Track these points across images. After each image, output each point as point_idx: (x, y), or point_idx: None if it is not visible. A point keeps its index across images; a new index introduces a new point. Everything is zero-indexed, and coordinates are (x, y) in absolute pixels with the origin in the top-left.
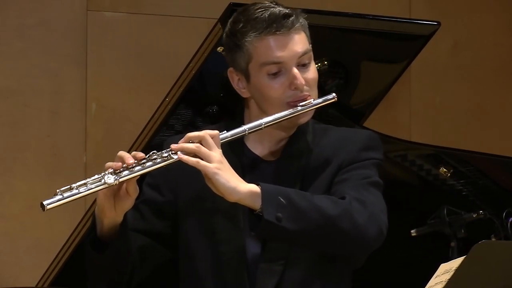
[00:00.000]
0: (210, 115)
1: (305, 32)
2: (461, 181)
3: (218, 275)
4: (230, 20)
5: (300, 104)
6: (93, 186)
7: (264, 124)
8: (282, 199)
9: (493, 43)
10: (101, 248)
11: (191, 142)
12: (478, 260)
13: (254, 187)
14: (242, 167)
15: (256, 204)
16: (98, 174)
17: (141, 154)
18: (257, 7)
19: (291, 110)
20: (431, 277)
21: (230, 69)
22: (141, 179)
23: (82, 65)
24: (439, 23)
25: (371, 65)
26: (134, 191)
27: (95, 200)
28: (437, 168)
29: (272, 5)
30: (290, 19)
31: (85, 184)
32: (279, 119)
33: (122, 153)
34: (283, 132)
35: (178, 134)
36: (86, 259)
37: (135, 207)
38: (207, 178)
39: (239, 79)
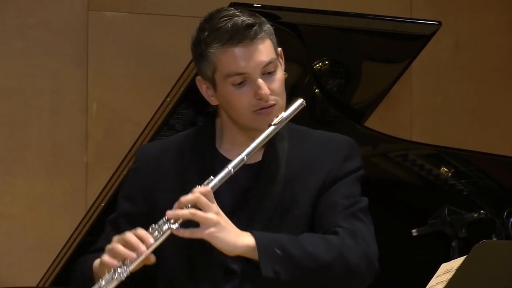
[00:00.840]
0: (211, 115)
1: (270, 39)
2: (462, 181)
3: (193, 280)
4: (197, 27)
5: (273, 123)
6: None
7: (246, 158)
8: (277, 251)
9: (494, 43)
10: None
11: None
12: (479, 260)
13: (250, 242)
14: (215, 173)
15: (254, 257)
16: (107, 271)
17: (148, 239)
18: (221, 16)
19: (267, 133)
20: (432, 277)
21: (198, 77)
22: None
23: (83, 65)
24: (440, 23)
25: (372, 65)
26: (151, 258)
27: (95, 200)
28: (438, 168)
29: (237, 14)
30: (253, 29)
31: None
32: (257, 146)
33: (134, 242)
34: (254, 136)
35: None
36: None
37: (113, 223)
38: (208, 240)
39: (207, 87)
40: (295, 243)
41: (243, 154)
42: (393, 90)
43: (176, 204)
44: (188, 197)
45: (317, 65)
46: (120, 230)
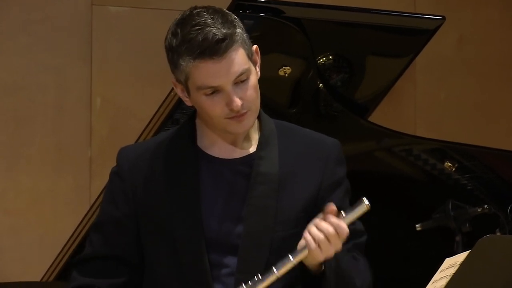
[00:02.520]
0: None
1: (243, 47)
2: (466, 175)
3: (180, 282)
4: (169, 29)
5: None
6: None
7: (278, 275)
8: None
9: (498, 38)
10: None
11: None
12: (483, 255)
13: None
14: (197, 169)
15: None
16: None
17: None
18: (194, 23)
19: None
20: (436, 272)
21: (172, 80)
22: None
23: (87, 61)
24: (444, 18)
25: (376, 60)
26: None
27: (99, 196)
28: (442, 163)
29: (208, 23)
30: (224, 43)
31: None
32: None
33: None
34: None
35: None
36: None
37: (98, 227)
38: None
39: (182, 89)
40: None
41: (276, 272)
42: (397, 85)
43: None
44: None
45: (321, 60)
46: (106, 235)
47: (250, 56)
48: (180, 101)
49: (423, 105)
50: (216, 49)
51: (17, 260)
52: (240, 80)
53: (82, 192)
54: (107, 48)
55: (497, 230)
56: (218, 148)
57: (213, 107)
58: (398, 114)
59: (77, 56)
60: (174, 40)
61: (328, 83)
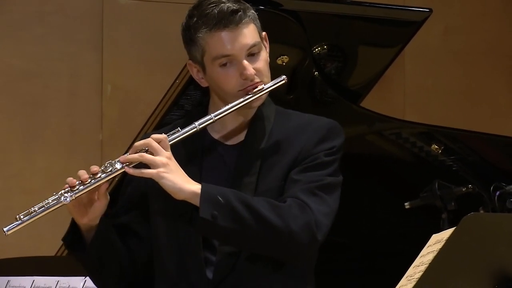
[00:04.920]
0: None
1: (255, 24)
2: (452, 157)
3: (179, 256)
4: (186, 14)
5: (251, 92)
6: (51, 205)
7: (214, 118)
8: (220, 198)
9: (482, 29)
10: (81, 248)
11: (139, 152)
12: (467, 231)
13: (196, 188)
14: (202, 153)
15: (198, 203)
16: (55, 193)
17: (95, 168)
18: (209, 2)
19: (241, 100)
20: (424, 247)
21: (189, 61)
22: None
23: (98, 49)
24: (431, 10)
25: (368, 49)
26: (103, 197)
27: None
28: (429, 145)
29: (223, 1)
30: (238, 14)
31: (43, 206)
32: (229, 110)
33: (79, 172)
34: (242, 116)
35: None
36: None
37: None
38: (156, 181)
39: (197, 70)
40: (241, 197)
41: (213, 115)
42: (387, 72)
43: (130, 150)
44: (141, 142)
45: (317, 50)
46: (120, 212)
47: (261, 36)
48: (185, 88)
49: (412, 91)
50: (230, 19)
51: (33, 236)
52: (252, 53)
53: None
54: (117, 37)
55: (481, 208)
56: (226, 133)
57: (228, 79)
58: (388, 100)
59: (89, 45)
60: (191, 20)
61: (323, 71)
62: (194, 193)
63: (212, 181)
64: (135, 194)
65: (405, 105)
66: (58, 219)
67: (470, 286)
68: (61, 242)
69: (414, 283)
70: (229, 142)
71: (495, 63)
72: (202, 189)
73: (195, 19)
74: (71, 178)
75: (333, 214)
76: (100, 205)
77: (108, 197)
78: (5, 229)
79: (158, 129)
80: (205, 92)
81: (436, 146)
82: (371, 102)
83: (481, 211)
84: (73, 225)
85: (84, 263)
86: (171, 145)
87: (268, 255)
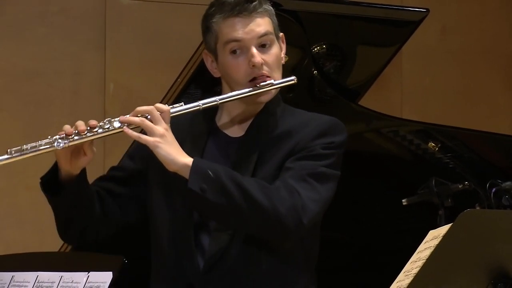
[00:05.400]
0: (218, 94)
1: (270, 18)
2: (448, 155)
3: (173, 239)
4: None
5: (260, 84)
6: (42, 148)
7: (219, 100)
8: (210, 173)
9: (478, 29)
10: (56, 191)
11: (140, 116)
12: (463, 227)
13: (189, 161)
14: (206, 140)
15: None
16: (51, 136)
17: (94, 122)
18: None
19: (250, 89)
20: (421, 243)
21: (204, 51)
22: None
23: (101, 49)
24: (428, 10)
25: (366, 49)
26: (90, 152)
27: None
28: (426, 143)
29: None
30: (253, 3)
31: (35, 146)
32: (235, 96)
33: (78, 122)
34: (250, 108)
35: None
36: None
37: (113, 169)
38: (151, 149)
39: (212, 61)
40: (231, 174)
41: (218, 97)
42: (385, 71)
43: (132, 113)
44: (144, 107)
45: (316, 49)
46: (112, 179)
47: (276, 32)
48: (186, 87)
49: (409, 90)
50: (245, 7)
51: (37, 231)
52: (263, 44)
53: (96, 168)
54: (120, 37)
55: (477, 204)
56: (232, 124)
57: (238, 67)
58: (386, 98)
59: (91, 44)
60: (210, 9)
61: (322, 70)
62: (185, 165)
63: None
64: (135, 170)
65: (403, 104)
66: None
67: (467, 281)
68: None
69: (411, 278)
70: (233, 134)
71: (491, 63)
72: (193, 162)
73: (213, 8)
74: (68, 126)
75: (322, 201)
76: (86, 158)
77: (95, 152)
78: None
79: None
80: (206, 92)
81: (433, 144)
82: (369, 100)
83: (477, 208)
84: (54, 168)
85: (55, 206)
86: (174, 118)
87: (256, 238)
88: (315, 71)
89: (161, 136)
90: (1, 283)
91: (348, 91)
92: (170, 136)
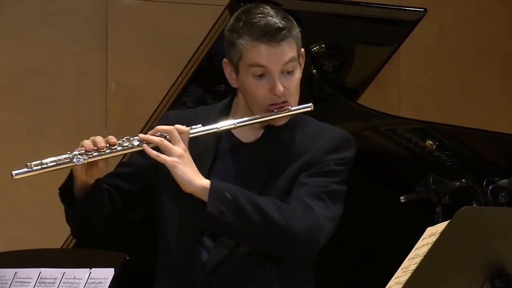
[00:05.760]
0: (218, 93)
1: (296, 43)
2: (446, 152)
3: (181, 240)
4: (234, 15)
5: (277, 110)
6: (62, 163)
7: (237, 124)
8: (228, 195)
9: (475, 28)
10: (72, 203)
11: (159, 135)
12: (460, 224)
13: (206, 183)
14: (216, 150)
15: (206, 198)
16: (69, 152)
17: (113, 140)
18: (258, 12)
19: (266, 115)
20: (419, 239)
21: (225, 59)
22: None
23: (103, 48)
24: (425, 10)
25: (364, 48)
26: (103, 166)
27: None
28: (424, 141)
29: (271, 14)
30: (282, 32)
31: (55, 161)
32: (252, 122)
33: (97, 137)
34: (264, 123)
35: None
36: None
37: (119, 165)
38: (169, 169)
39: (231, 71)
40: (248, 195)
41: (236, 121)
42: (383, 70)
43: (151, 131)
44: (164, 127)
45: (315, 48)
46: (120, 176)
47: (298, 55)
48: (187, 85)
49: (407, 89)
50: (275, 35)
51: (41, 228)
52: (287, 70)
53: None
54: (122, 36)
55: (474, 202)
56: (247, 132)
57: (258, 90)
58: (384, 97)
59: (93, 44)
60: (237, 23)
61: (321, 70)
62: (203, 188)
63: (221, 173)
64: (144, 166)
65: (400, 102)
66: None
67: (464, 277)
68: (67, 235)
69: (409, 274)
70: (245, 139)
71: (489, 62)
72: (211, 184)
73: (241, 23)
74: (88, 142)
75: (335, 220)
76: (100, 171)
77: (107, 166)
78: (13, 173)
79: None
80: (207, 91)
81: (431, 142)
82: (368, 99)
83: (474, 205)
84: (70, 178)
85: (70, 212)
86: (195, 138)
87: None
88: (314, 70)
89: (179, 156)
90: (5, 279)
91: (346, 89)
92: (188, 157)
